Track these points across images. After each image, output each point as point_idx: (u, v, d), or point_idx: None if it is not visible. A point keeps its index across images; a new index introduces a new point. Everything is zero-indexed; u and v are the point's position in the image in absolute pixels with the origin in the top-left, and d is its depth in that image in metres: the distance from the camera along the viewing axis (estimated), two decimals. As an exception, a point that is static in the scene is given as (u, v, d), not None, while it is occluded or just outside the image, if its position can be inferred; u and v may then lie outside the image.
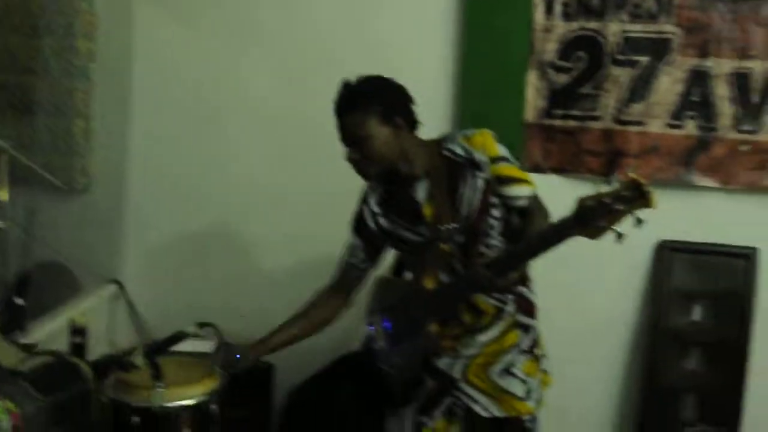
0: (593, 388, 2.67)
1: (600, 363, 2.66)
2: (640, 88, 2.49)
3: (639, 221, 1.53)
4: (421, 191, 1.94)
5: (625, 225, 1.54)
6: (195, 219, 2.85)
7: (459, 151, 1.91)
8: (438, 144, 1.95)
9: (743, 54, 2.43)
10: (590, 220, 1.56)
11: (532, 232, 1.79)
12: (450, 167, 1.92)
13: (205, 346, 2.02)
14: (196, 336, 1.84)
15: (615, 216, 1.54)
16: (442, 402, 1.99)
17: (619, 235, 1.55)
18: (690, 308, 2.54)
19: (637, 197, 1.52)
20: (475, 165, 1.90)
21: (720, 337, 2.51)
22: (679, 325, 2.53)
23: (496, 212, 1.91)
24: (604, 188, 1.56)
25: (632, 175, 1.54)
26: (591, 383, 2.66)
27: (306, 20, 2.72)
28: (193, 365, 1.91)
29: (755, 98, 2.43)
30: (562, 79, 2.55)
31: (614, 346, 2.64)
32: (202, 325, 1.84)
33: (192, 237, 2.86)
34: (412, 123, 1.93)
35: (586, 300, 2.61)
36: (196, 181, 2.83)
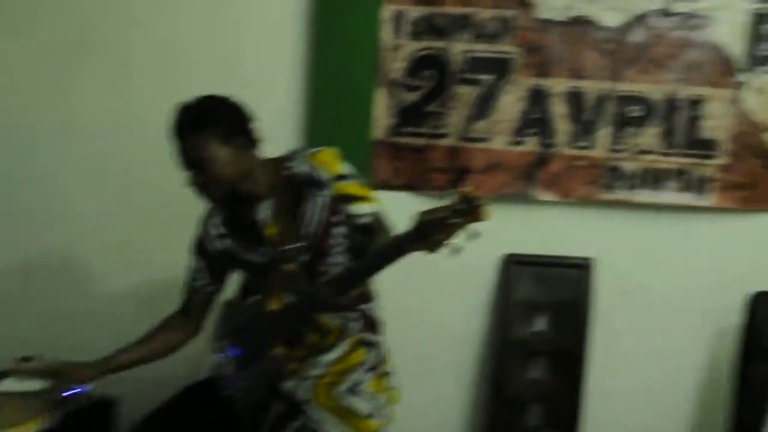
0: (441, 402, 2.69)
1: (448, 376, 2.69)
2: (483, 107, 2.57)
3: (474, 235, 1.56)
4: (264, 211, 1.91)
5: (462, 239, 1.57)
6: (16, 248, 2.67)
7: (302, 169, 1.90)
8: (281, 163, 1.93)
9: (577, 74, 2.56)
10: (428, 233, 1.59)
11: (373, 248, 1.80)
12: (293, 186, 1.90)
13: (34, 383, 1.89)
14: (16, 373, 1.71)
15: (450, 229, 1.57)
16: (289, 426, 1.94)
17: (456, 249, 1.58)
18: (534, 319, 2.63)
19: (469, 211, 1.56)
20: (318, 183, 1.89)
21: (561, 346, 2.60)
22: (523, 336, 2.61)
23: (340, 230, 1.91)
24: (441, 202, 1.59)
25: (464, 189, 1.58)
26: (439, 397, 2.68)
27: (147, 36, 2.62)
28: (15, 406, 1.77)
29: (588, 116, 2.57)
30: (410, 97, 2.59)
31: (462, 359, 2.68)
32: (23, 359, 1.71)
33: (13, 268, 2.68)
34: (254, 142, 1.89)
35: (434, 315, 2.63)
36: (15, 207, 2.65)
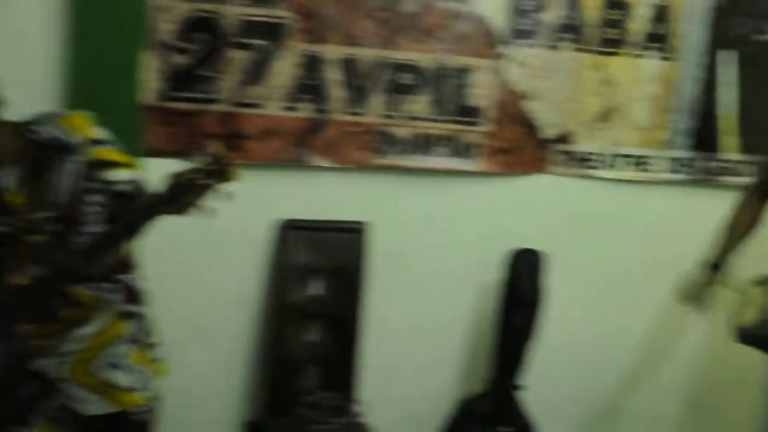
0: (218, 365, 2.67)
1: (224, 339, 2.66)
2: (257, 72, 2.53)
3: (226, 196, 1.56)
4: (7, 178, 1.76)
5: (214, 200, 1.56)
6: None
7: (51, 133, 1.78)
8: (27, 126, 1.79)
9: (352, 41, 2.60)
10: (178, 195, 1.57)
11: (124, 214, 1.73)
12: (41, 151, 1.77)
13: None
14: None
15: (200, 190, 1.56)
16: (43, 407, 1.84)
17: (207, 211, 1.57)
18: (310, 283, 2.67)
19: (219, 171, 1.55)
20: (69, 148, 1.78)
21: (337, 309, 2.67)
22: (299, 300, 2.65)
23: (94, 198, 1.81)
24: (192, 164, 1.57)
25: (213, 150, 1.57)
26: (216, 360, 2.66)
27: None
28: None
29: (362, 83, 2.62)
30: (182, 60, 2.49)
31: (238, 322, 2.67)
32: None
33: None
34: None
35: (210, 279, 2.58)
36: None
